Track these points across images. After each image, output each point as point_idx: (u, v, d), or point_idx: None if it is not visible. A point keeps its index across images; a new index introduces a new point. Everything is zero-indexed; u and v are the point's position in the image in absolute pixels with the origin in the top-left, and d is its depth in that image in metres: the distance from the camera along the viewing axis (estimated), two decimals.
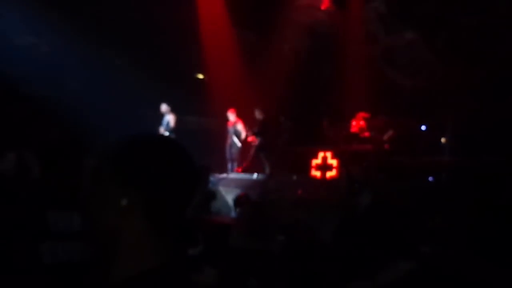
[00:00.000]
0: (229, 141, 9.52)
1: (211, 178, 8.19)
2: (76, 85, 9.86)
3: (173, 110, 9.52)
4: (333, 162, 8.54)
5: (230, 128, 9.53)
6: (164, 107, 9.44)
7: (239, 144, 9.47)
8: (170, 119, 9.34)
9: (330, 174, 8.52)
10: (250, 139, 9.43)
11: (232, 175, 9.05)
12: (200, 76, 13.51)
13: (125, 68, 10.48)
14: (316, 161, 8.76)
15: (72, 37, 9.37)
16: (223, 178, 8.53)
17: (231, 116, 9.54)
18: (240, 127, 9.52)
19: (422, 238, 2.60)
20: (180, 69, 11.78)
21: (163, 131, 9.31)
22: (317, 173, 8.68)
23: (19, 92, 8.88)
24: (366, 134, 9.04)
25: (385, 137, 8.79)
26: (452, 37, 9.58)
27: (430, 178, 6.31)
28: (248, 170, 9.32)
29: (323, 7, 10.47)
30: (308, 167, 8.85)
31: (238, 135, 9.48)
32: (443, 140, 8.28)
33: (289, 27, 10.87)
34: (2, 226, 2.16)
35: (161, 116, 9.60)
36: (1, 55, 8.29)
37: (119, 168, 0.86)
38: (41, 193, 2.35)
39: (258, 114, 9.58)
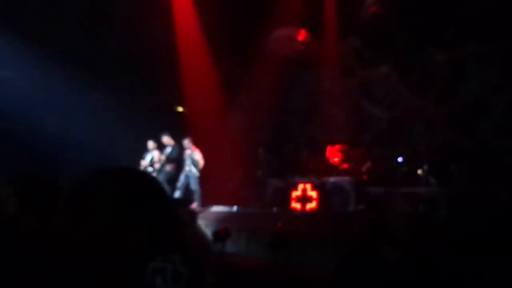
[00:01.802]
0: (185, 170, 9.34)
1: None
2: (53, 119, 9.85)
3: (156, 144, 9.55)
4: (313, 194, 8.66)
5: (187, 156, 9.34)
6: (151, 144, 9.49)
7: (197, 173, 9.32)
8: (154, 155, 9.41)
9: (310, 206, 8.62)
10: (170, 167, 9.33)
11: (212, 208, 9.03)
12: (180, 109, 13.66)
13: (103, 102, 10.55)
14: (296, 193, 8.87)
15: (49, 71, 9.45)
16: (202, 211, 8.52)
17: (188, 144, 9.34)
18: (198, 156, 9.36)
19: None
20: (160, 102, 11.93)
21: (145, 165, 9.35)
22: (297, 205, 8.77)
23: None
24: (345, 165, 9.26)
25: (364, 168, 9.02)
26: (425, 71, 10.09)
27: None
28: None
29: (300, 38, 10.85)
30: (288, 199, 8.95)
31: (195, 164, 9.32)
32: (419, 171, 8.55)
33: (267, 57, 11.17)
34: None
35: (144, 150, 9.60)
36: None
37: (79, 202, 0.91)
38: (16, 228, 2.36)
39: (167, 140, 9.46)
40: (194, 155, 9.24)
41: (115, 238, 0.89)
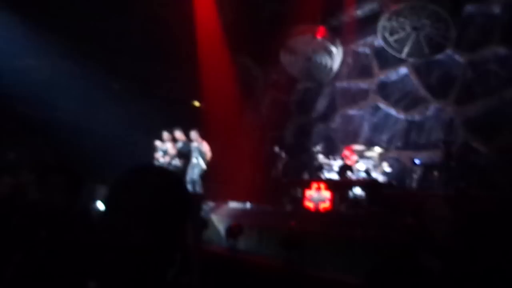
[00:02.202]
0: (192, 162, 9.26)
1: (204, 206, 8.21)
2: (73, 108, 9.99)
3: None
4: (327, 193, 8.61)
5: (194, 148, 9.28)
6: (165, 135, 9.52)
7: (203, 165, 9.26)
8: (169, 147, 9.45)
9: (324, 205, 8.57)
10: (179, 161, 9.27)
11: (225, 204, 9.03)
12: (197, 103, 13.72)
13: (122, 93, 10.67)
14: (309, 192, 8.82)
15: (72, 61, 9.58)
16: (216, 207, 8.54)
17: (194, 135, 9.27)
18: (205, 147, 9.29)
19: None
20: (177, 95, 12.01)
21: (161, 157, 9.40)
22: (310, 205, 8.73)
23: (17, 112, 9.02)
24: (360, 165, 9.17)
25: (379, 169, 8.94)
26: (444, 72, 9.91)
27: None
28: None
29: (318, 36, 10.74)
30: (301, 198, 8.92)
31: (202, 156, 9.25)
32: (435, 173, 8.42)
33: (285, 54, 11.10)
34: None
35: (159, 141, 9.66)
36: (2, 76, 8.47)
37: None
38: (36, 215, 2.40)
39: (179, 135, 9.42)
40: (201, 147, 9.18)
41: (151, 237, 0.90)
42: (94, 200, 7.09)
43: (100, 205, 7.95)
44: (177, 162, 9.33)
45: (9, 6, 8.82)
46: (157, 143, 9.62)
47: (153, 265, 0.90)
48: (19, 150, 8.63)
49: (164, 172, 1.05)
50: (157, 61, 11.03)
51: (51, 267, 1.76)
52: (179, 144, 9.45)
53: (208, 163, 9.24)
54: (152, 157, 9.55)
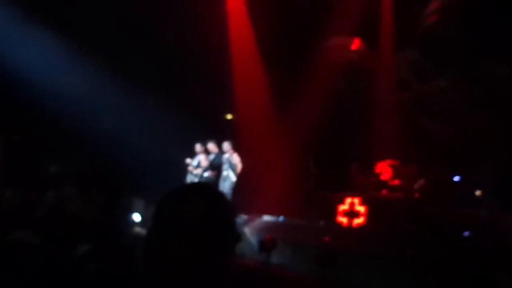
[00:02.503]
0: (222, 174, 9.16)
1: (237, 219, 8.19)
2: (111, 122, 10.32)
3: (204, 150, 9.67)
4: (361, 208, 8.44)
5: (225, 160, 9.16)
6: (198, 147, 9.58)
7: (233, 178, 9.15)
8: (201, 159, 9.50)
9: (357, 221, 8.40)
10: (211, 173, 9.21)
11: (259, 217, 8.96)
12: (229, 116, 13.85)
13: (157, 107, 10.93)
14: (343, 207, 8.68)
15: (109, 77, 9.93)
16: (249, 220, 8.50)
17: (227, 146, 9.17)
18: (235, 159, 9.17)
19: None
20: (210, 109, 12.17)
21: (193, 170, 9.49)
22: (343, 220, 8.58)
23: (59, 128, 9.42)
24: (396, 182, 8.94)
25: (416, 186, 8.67)
26: (487, 86, 9.56)
27: (466, 233, 6.03)
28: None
29: (354, 48, 10.61)
30: (334, 212, 8.77)
31: (233, 168, 9.17)
32: (477, 193, 8.07)
33: (319, 67, 11.02)
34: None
35: (192, 154, 9.75)
36: (45, 92, 8.92)
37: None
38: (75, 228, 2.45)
39: (212, 147, 9.34)
40: (232, 159, 9.12)
41: (203, 256, 0.92)
42: (130, 212, 7.24)
43: (136, 217, 8.10)
44: (208, 174, 9.37)
45: (48, 26, 9.27)
46: (188, 158, 9.69)
47: (206, 283, 0.90)
48: (61, 163, 8.98)
49: (210, 189, 1.06)
50: (191, 74, 11.25)
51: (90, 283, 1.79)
52: (211, 156, 9.50)
53: (238, 175, 9.22)
54: (185, 170, 9.67)
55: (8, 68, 8.67)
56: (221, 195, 1.03)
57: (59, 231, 2.66)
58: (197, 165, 9.54)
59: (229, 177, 9.12)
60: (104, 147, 9.58)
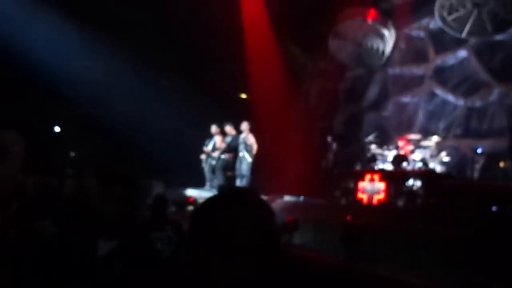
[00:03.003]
0: (238, 155, 9.11)
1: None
2: (127, 106, 10.29)
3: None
4: (381, 185, 8.29)
5: (240, 141, 9.09)
6: (214, 128, 9.52)
7: (249, 159, 9.08)
8: (217, 140, 9.43)
9: (378, 197, 8.27)
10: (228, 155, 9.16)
11: (279, 198, 8.87)
12: (244, 95, 13.69)
13: (172, 89, 10.85)
14: (362, 184, 8.54)
15: (123, 60, 9.85)
16: (269, 200, 8.44)
17: (244, 127, 9.09)
18: (251, 140, 9.08)
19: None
20: (224, 88, 12.03)
21: (208, 151, 9.43)
22: (363, 196, 8.46)
23: (76, 113, 9.46)
24: (416, 155, 8.74)
25: (437, 159, 8.46)
26: (509, 54, 9.17)
27: (494, 208, 5.84)
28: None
29: (369, 19, 10.22)
30: (354, 190, 8.65)
31: (248, 149, 9.08)
32: (501, 164, 7.82)
33: (334, 40, 10.70)
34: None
35: (207, 137, 9.68)
36: (59, 78, 8.88)
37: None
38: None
39: (229, 129, 9.27)
40: (247, 139, 9.05)
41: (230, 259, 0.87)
42: (149, 197, 7.26)
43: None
44: (225, 156, 9.30)
45: (62, 10, 9.18)
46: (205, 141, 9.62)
47: None
48: (79, 149, 9.04)
49: (257, 201, 0.99)
50: (205, 56, 11.09)
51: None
52: (228, 138, 9.42)
53: (254, 156, 9.13)
54: (201, 152, 9.62)
55: (24, 55, 8.65)
56: (267, 206, 0.96)
57: (78, 224, 2.62)
58: (213, 147, 9.48)
59: (245, 158, 9.05)
60: (121, 131, 9.59)
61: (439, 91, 10.12)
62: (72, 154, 9.26)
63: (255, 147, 9.11)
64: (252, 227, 0.88)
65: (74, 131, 9.84)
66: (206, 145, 9.57)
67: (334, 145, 10.12)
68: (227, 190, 0.96)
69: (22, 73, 8.92)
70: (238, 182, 9.19)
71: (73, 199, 3.18)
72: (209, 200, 0.95)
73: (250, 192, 0.97)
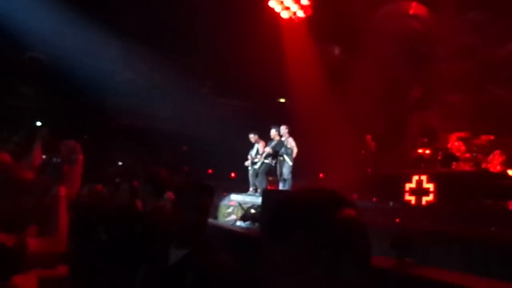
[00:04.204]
0: (279, 159, 9.01)
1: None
2: (168, 115, 10.55)
3: (260, 136, 9.57)
4: (430, 186, 7.97)
5: (281, 144, 9.00)
6: (252, 136, 9.54)
7: (290, 162, 8.94)
8: (259, 147, 9.44)
9: (426, 199, 7.95)
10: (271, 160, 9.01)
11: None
12: (282, 100, 13.67)
13: (211, 96, 11.02)
14: (410, 185, 8.25)
15: (165, 72, 10.10)
16: None
17: (283, 130, 9.02)
18: (291, 143, 8.97)
19: None
20: (263, 93, 12.05)
21: (252, 158, 9.45)
22: (411, 198, 8.17)
23: (120, 123, 9.81)
24: (467, 154, 8.35)
25: (489, 158, 8.04)
26: None
27: None
28: None
29: (411, 12, 9.82)
30: (400, 192, 8.37)
31: (288, 152, 8.95)
32: None
33: (374, 37, 10.39)
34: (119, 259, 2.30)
35: (249, 144, 9.72)
36: (105, 90, 9.26)
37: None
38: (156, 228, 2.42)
39: (274, 134, 9.14)
40: (287, 143, 8.97)
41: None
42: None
43: None
44: (268, 160, 9.26)
45: (106, 25, 9.57)
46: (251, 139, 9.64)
47: None
48: (126, 158, 9.35)
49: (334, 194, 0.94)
50: (243, 61, 11.16)
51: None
52: (273, 142, 9.33)
53: (293, 159, 9.03)
54: (245, 157, 9.66)
55: (69, 71, 9.07)
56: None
57: (133, 229, 2.67)
58: (256, 153, 9.49)
59: (286, 161, 9.00)
60: (163, 139, 9.82)
61: (489, 86, 9.62)
62: (120, 163, 9.61)
63: (295, 150, 9.04)
64: (352, 227, 0.85)
65: (121, 141, 10.20)
66: (250, 154, 9.63)
67: (373, 146, 9.85)
68: (313, 191, 0.91)
69: (69, 88, 9.36)
70: (281, 186, 9.15)
71: (127, 207, 3.27)
72: (295, 201, 0.92)
73: (336, 193, 0.91)
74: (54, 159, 1.60)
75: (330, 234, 0.83)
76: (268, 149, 9.03)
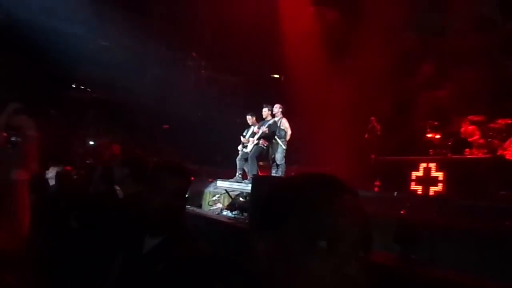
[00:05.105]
0: (273, 142, 8.97)
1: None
2: (148, 89, 10.46)
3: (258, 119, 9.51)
4: (439, 174, 8.05)
5: (274, 125, 8.91)
6: (249, 118, 9.46)
7: (283, 146, 8.87)
8: (255, 129, 9.37)
9: (435, 189, 8.04)
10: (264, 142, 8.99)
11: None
12: (276, 75, 13.60)
13: (197, 71, 10.95)
14: (416, 174, 8.34)
15: (145, 40, 9.99)
16: None
17: (276, 110, 8.95)
18: (285, 124, 8.88)
19: None
20: (256, 68, 11.98)
21: (245, 141, 9.41)
22: (418, 188, 8.26)
23: (93, 97, 9.72)
24: (481, 141, 8.43)
25: (506, 143, 8.13)
26: None
27: None
28: None
29: None
30: (406, 180, 8.46)
31: (281, 134, 8.87)
32: None
33: (380, 2, 10.33)
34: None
35: (239, 123, 9.67)
36: (75, 58, 9.14)
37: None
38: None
39: (265, 113, 9.12)
40: (280, 124, 8.91)
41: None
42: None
43: None
44: (260, 142, 9.21)
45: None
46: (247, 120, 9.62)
47: None
48: (99, 137, 9.28)
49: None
50: (233, 29, 11.06)
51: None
52: (267, 123, 9.25)
53: (287, 143, 9.01)
54: (234, 139, 9.64)
55: (34, 34, 8.92)
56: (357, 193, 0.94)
57: (107, 217, 2.66)
58: (250, 135, 9.45)
59: (279, 144, 8.97)
60: (142, 115, 9.79)
61: (509, 64, 9.67)
62: (91, 142, 9.58)
63: (289, 132, 9.02)
64: (351, 215, 0.85)
65: (93, 117, 10.14)
66: (244, 136, 9.56)
67: (378, 129, 9.87)
68: (309, 175, 0.91)
69: (37, 54, 9.24)
70: (273, 173, 9.16)
71: (101, 192, 3.24)
72: (289, 185, 0.92)
73: (335, 178, 0.91)
74: (13, 138, 1.55)
75: (327, 223, 0.82)
76: (264, 128, 8.90)
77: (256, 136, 9.09)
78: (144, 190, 1.91)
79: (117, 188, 2.94)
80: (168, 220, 1.84)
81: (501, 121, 8.27)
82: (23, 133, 1.64)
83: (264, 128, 8.90)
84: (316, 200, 0.85)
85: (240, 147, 9.55)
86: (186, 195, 1.97)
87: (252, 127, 9.47)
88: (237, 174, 9.44)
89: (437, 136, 8.84)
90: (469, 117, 8.74)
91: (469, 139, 8.33)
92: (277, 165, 9.05)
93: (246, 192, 7.98)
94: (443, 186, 7.91)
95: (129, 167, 2.76)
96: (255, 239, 0.91)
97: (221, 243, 5.94)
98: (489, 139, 8.19)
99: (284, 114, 9.14)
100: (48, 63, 9.23)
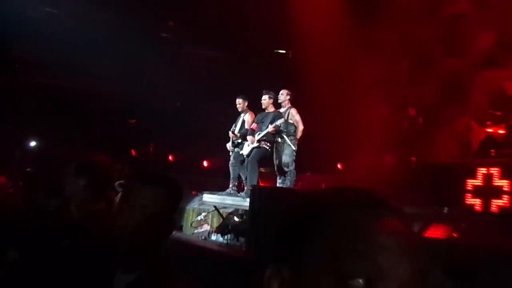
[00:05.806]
0: (278, 141, 9.07)
1: None
2: (110, 72, 10.54)
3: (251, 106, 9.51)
4: (504, 183, 8.13)
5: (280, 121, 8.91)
6: (240, 102, 9.43)
7: (293, 146, 8.97)
8: (247, 119, 9.34)
9: (499, 202, 8.12)
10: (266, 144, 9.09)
11: None
12: (282, 51, 13.70)
13: (176, 46, 11.09)
14: (473, 182, 8.40)
15: (106, 6, 10.09)
16: None
17: (283, 97, 9.13)
18: (295, 116, 9.04)
19: None
20: (254, 41, 12.09)
21: (235, 134, 9.39)
22: (475, 201, 8.33)
23: (34, 83, 9.78)
24: None
25: None
26: None
27: None
28: None
29: None
30: (459, 191, 8.50)
31: (291, 130, 8.98)
32: None
33: None
34: None
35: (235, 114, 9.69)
36: (10, 30, 9.19)
37: None
38: None
39: (266, 103, 9.18)
40: (289, 116, 9.02)
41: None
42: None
43: None
44: (263, 144, 9.12)
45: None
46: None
47: None
48: (44, 136, 9.33)
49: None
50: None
51: None
52: (267, 116, 9.19)
53: (297, 142, 9.08)
54: (224, 136, 9.68)
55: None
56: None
57: (58, 245, 2.65)
58: (241, 128, 9.40)
59: (287, 144, 8.97)
60: (103, 107, 9.91)
61: None
62: (33, 143, 9.64)
63: (300, 127, 9.09)
64: (399, 245, 0.86)
65: (34, 110, 10.22)
66: (233, 130, 9.51)
67: (420, 123, 9.96)
68: (340, 191, 0.93)
69: None
70: (279, 182, 9.17)
71: (48, 211, 3.22)
72: (313, 204, 0.94)
73: (375, 195, 0.93)
74: None
75: (366, 256, 0.84)
76: (271, 128, 8.79)
77: (258, 136, 9.00)
78: (110, 207, 1.90)
79: (71, 204, 2.92)
80: (146, 251, 1.82)
81: None
82: None
83: (271, 128, 8.80)
84: (351, 225, 0.87)
85: (229, 146, 9.52)
86: (172, 216, 1.95)
87: (242, 115, 9.44)
88: (230, 184, 9.45)
89: (500, 131, 8.91)
90: None
91: None
92: (285, 172, 9.05)
93: (243, 209, 8.02)
94: (510, 199, 7.98)
95: (86, 176, 2.73)
96: (262, 274, 0.91)
97: (210, 279, 5.94)
98: None
99: (293, 103, 9.14)
100: None
